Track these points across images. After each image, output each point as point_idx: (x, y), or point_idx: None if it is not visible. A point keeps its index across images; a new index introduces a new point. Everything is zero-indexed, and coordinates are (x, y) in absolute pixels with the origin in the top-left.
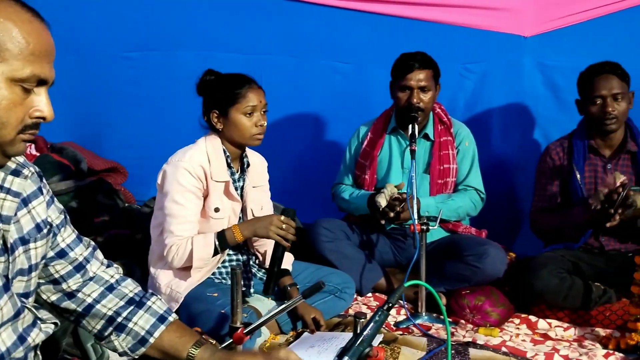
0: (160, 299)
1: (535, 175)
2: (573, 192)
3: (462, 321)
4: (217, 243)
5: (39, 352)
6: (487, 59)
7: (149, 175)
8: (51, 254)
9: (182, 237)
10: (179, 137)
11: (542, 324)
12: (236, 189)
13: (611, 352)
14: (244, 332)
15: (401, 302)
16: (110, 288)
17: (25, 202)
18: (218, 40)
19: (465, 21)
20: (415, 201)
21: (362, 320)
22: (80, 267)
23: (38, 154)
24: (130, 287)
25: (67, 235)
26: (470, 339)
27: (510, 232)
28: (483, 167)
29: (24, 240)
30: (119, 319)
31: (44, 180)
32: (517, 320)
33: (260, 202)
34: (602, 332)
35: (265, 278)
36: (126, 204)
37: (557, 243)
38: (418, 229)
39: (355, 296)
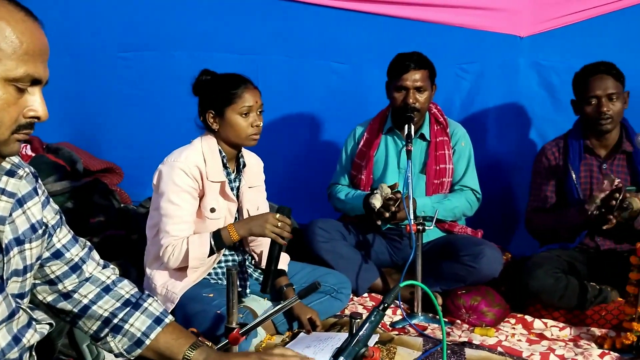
0: (156, 301)
1: (531, 175)
2: (569, 192)
3: (458, 321)
4: (212, 243)
5: (34, 353)
6: (483, 59)
7: (145, 175)
8: (47, 254)
9: (178, 237)
10: (175, 138)
11: (537, 323)
12: (232, 189)
13: (607, 351)
14: (240, 332)
15: (397, 302)
16: (107, 289)
17: (21, 202)
18: (214, 40)
19: (461, 21)
20: (411, 201)
21: (358, 320)
22: (76, 268)
23: (34, 155)
24: (127, 289)
25: (63, 235)
26: (466, 339)
27: (506, 232)
28: (479, 167)
29: (19, 241)
30: (115, 320)
31: (39, 181)
32: (513, 320)
33: (256, 202)
34: (597, 331)
35: (261, 278)
36: (122, 205)
37: (552, 243)
38: (414, 229)
39: (351, 296)
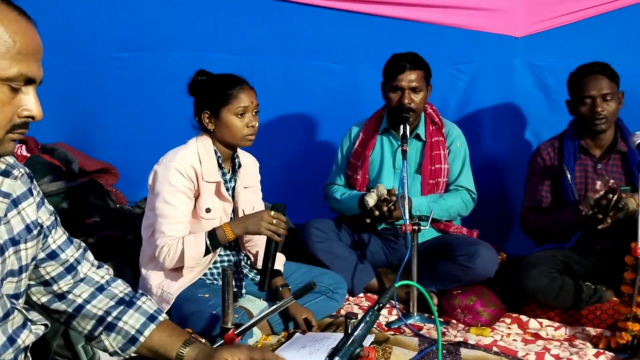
0: (150, 299)
1: (526, 175)
2: (564, 192)
3: (454, 321)
4: (208, 242)
5: (29, 354)
6: (478, 60)
7: (140, 176)
8: (42, 255)
9: (174, 238)
10: (170, 138)
11: (533, 323)
12: (227, 189)
13: (602, 351)
14: (236, 332)
15: (393, 302)
16: (101, 289)
17: (15, 203)
18: (210, 40)
19: (456, 22)
20: (406, 201)
21: (353, 320)
22: (71, 269)
23: (29, 155)
24: (121, 288)
25: (58, 236)
26: (461, 339)
27: (501, 232)
28: (474, 167)
29: (14, 241)
30: (109, 319)
31: (34, 182)
32: (508, 320)
33: (252, 202)
34: (592, 331)
35: (257, 278)
36: (117, 205)
37: (547, 243)
38: (409, 229)
39: (347, 296)
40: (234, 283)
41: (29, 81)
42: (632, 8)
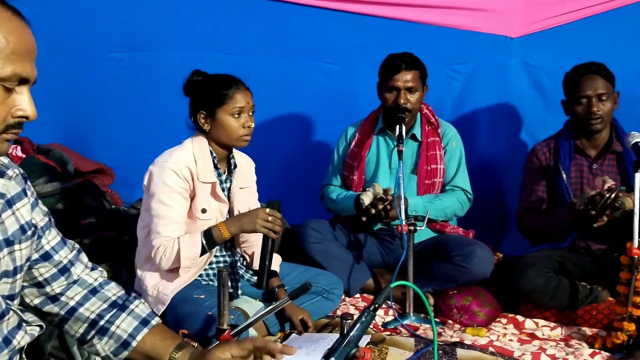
0: (143, 303)
1: (522, 176)
2: (559, 192)
3: (450, 321)
4: (204, 242)
5: (24, 356)
6: (474, 60)
7: (136, 176)
8: (35, 256)
9: (169, 238)
10: (166, 139)
11: (529, 323)
12: (223, 190)
13: (597, 351)
14: (231, 333)
15: (389, 302)
16: (94, 291)
17: (10, 203)
18: (206, 41)
19: (452, 22)
20: (402, 201)
21: (349, 321)
22: (64, 270)
23: (24, 156)
24: (114, 291)
25: (52, 237)
26: (457, 339)
27: (497, 232)
28: (470, 168)
29: (8, 242)
30: (102, 322)
31: (29, 182)
32: (504, 320)
33: (248, 203)
34: (588, 331)
35: (252, 279)
36: (113, 206)
37: (543, 243)
38: (405, 229)
39: (343, 297)
40: (229, 284)
41: (22, 81)
42: (627, 8)
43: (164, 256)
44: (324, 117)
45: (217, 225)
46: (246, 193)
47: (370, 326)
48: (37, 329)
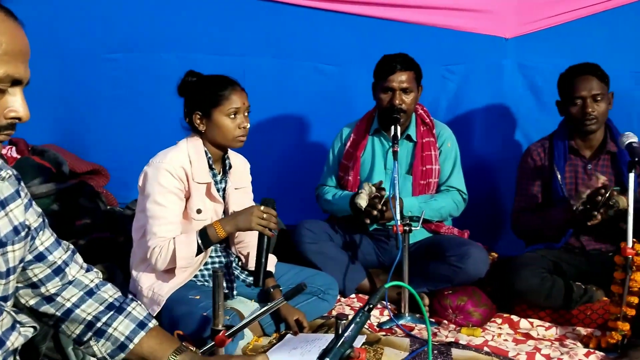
0: (140, 305)
1: (516, 176)
2: (554, 192)
3: (445, 321)
4: (199, 241)
5: (18, 357)
6: (469, 61)
7: (131, 177)
8: (29, 257)
9: (165, 238)
10: (161, 139)
11: (524, 323)
12: (218, 190)
13: (592, 351)
14: (226, 334)
15: (384, 303)
16: (90, 292)
17: (3, 204)
18: (201, 42)
19: (447, 23)
20: (397, 202)
21: (344, 321)
22: (59, 271)
23: (19, 157)
24: (110, 292)
25: (46, 238)
26: (452, 339)
27: (492, 233)
28: (465, 168)
29: (1, 243)
30: (99, 324)
31: (22, 184)
32: (499, 320)
33: (243, 203)
34: (583, 331)
35: (248, 280)
36: (108, 207)
37: (538, 243)
38: (401, 229)
39: (338, 297)
40: (224, 284)
41: (15, 82)
42: (621, 9)
43: (159, 257)
44: (319, 117)
45: (212, 224)
46: (241, 193)
47: (366, 326)
48: (31, 330)
